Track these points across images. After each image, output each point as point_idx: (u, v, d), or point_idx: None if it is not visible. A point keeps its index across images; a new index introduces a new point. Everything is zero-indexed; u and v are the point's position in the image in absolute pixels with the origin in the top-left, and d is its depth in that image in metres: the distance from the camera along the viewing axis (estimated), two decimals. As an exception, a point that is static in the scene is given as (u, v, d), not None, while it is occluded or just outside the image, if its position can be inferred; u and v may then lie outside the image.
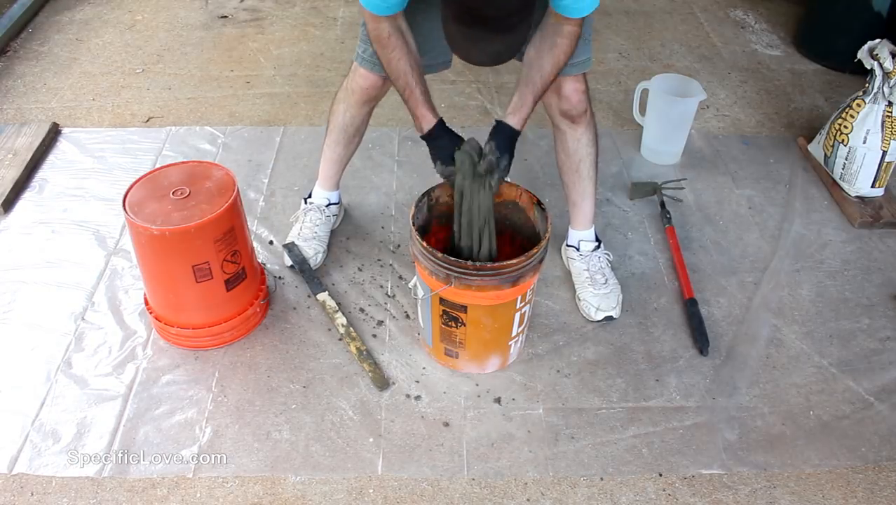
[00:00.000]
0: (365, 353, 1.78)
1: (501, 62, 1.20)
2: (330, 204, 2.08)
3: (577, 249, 1.96)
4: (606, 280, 1.91)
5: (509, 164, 1.57)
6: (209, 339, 1.78)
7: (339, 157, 2.02)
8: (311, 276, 1.97)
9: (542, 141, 2.51)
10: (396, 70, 1.54)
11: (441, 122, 1.59)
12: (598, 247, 1.97)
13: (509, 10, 1.11)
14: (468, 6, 1.10)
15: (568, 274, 2.01)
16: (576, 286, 1.95)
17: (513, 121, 1.57)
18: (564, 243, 2.03)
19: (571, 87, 1.72)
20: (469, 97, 2.76)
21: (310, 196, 2.10)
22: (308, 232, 2.03)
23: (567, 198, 1.95)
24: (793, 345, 1.86)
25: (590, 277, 1.91)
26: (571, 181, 1.90)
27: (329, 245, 2.07)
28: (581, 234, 1.97)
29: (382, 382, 1.72)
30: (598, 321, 1.87)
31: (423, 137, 1.61)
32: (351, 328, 1.84)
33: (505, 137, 1.56)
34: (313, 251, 2.00)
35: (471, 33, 1.12)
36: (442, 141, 1.59)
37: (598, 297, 1.88)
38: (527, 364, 1.79)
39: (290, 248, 2.02)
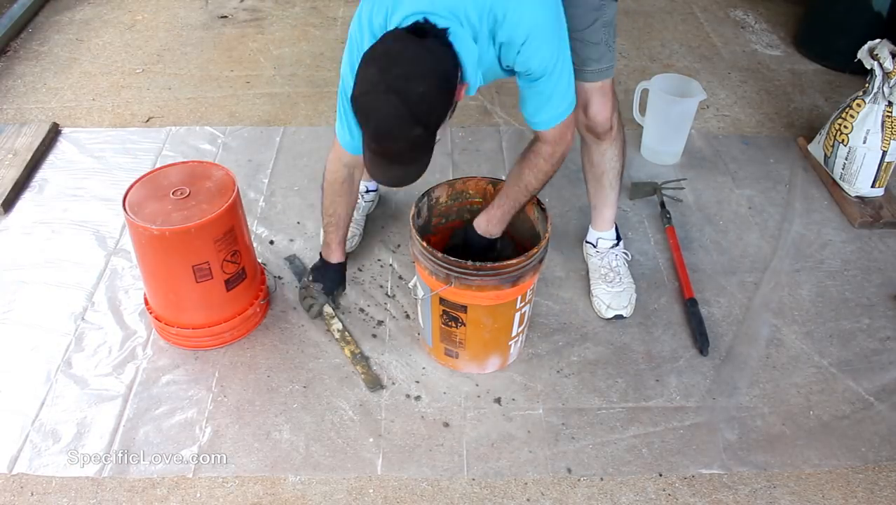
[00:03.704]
0: (358, 356, 1.78)
1: (403, 185, 1.38)
2: (368, 191, 2.15)
3: (595, 246, 1.97)
4: (620, 279, 1.91)
5: None
6: (209, 339, 1.78)
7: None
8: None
9: (542, 141, 2.51)
10: (332, 211, 1.76)
11: (342, 266, 1.87)
12: (617, 244, 1.98)
13: (403, 152, 1.30)
14: (372, 147, 1.31)
15: (568, 274, 2.01)
16: (590, 282, 1.96)
17: (479, 220, 1.66)
18: (585, 239, 2.04)
19: (598, 106, 1.69)
20: (469, 97, 2.76)
21: None
22: None
23: (589, 199, 1.96)
24: (793, 345, 1.86)
25: (603, 275, 1.92)
26: (594, 188, 1.91)
27: (365, 229, 2.12)
28: (600, 234, 1.98)
29: (375, 383, 1.72)
30: (608, 319, 1.88)
31: (320, 263, 1.87)
32: (346, 333, 1.83)
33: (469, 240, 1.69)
34: (351, 233, 2.01)
35: (377, 159, 1.32)
36: (330, 275, 1.86)
37: (610, 294, 1.89)
38: (527, 364, 1.79)
39: (292, 260, 2.03)
